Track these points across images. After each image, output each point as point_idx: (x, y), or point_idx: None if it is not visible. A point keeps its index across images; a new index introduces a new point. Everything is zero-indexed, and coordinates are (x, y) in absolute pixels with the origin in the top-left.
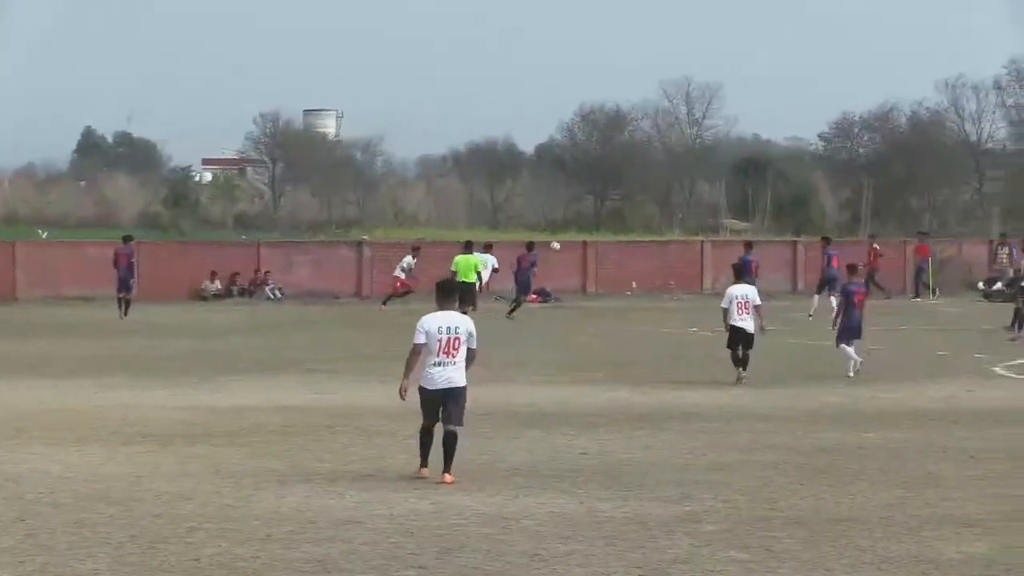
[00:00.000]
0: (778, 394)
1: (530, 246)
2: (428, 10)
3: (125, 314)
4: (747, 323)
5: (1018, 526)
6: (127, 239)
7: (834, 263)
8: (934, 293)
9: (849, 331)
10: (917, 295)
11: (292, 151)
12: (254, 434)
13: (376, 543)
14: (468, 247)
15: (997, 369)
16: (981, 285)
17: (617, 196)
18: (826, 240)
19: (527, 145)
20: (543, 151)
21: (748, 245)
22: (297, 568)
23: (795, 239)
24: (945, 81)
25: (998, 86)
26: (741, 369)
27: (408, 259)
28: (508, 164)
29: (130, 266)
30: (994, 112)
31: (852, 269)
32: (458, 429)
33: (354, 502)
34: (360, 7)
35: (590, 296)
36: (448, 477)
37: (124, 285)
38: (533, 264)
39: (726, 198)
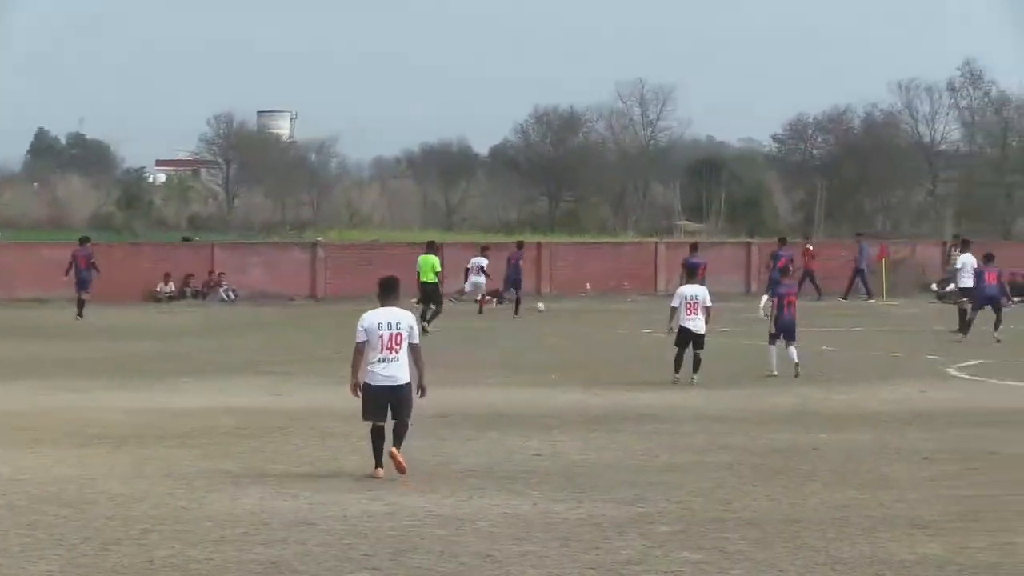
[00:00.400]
0: (732, 395)
1: (520, 245)
2: (381, 9)
3: (79, 315)
4: (695, 323)
5: (971, 527)
6: (84, 240)
7: (780, 264)
8: (870, 296)
9: (780, 332)
10: (870, 295)
11: (246, 152)
12: (207, 436)
13: (330, 544)
14: (431, 247)
15: (950, 370)
16: (934, 286)
17: (571, 197)
18: (782, 241)
19: (481, 147)
20: (497, 152)
21: (693, 247)
22: (250, 570)
23: (749, 240)
24: (899, 83)
25: (952, 88)
26: (693, 373)
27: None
28: (462, 165)
29: (90, 267)
30: (948, 114)
31: (784, 271)
32: (408, 421)
33: (308, 504)
34: (313, 7)
35: (545, 297)
36: (394, 450)
37: (84, 286)
38: (520, 261)
39: (680, 200)
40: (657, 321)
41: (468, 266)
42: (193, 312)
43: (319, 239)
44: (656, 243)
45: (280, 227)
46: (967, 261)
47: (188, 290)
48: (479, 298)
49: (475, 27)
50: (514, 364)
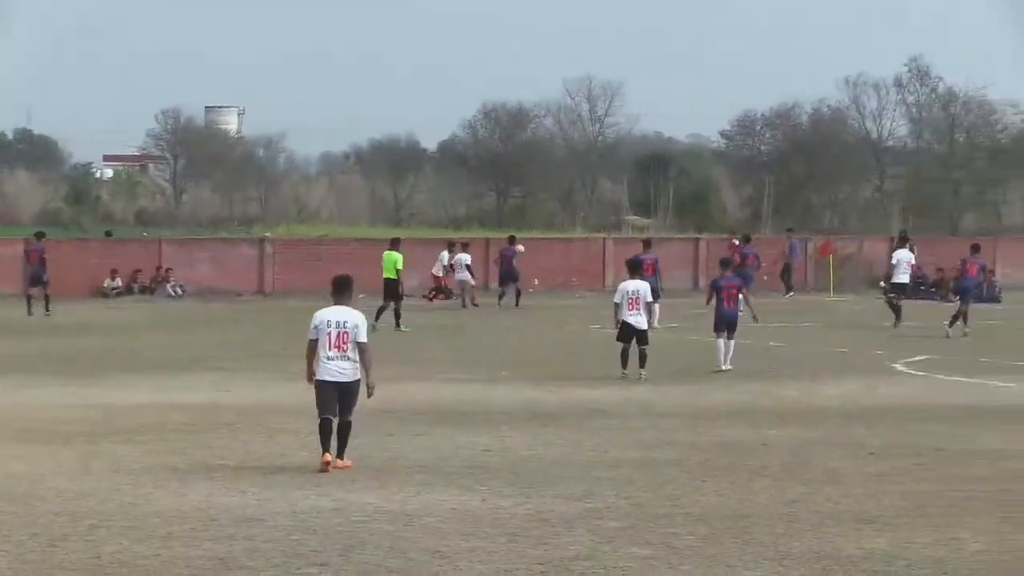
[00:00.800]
0: (680, 391)
1: (511, 239)
2: (330, 7)
3: (46, 310)
4: (637, 319)
5: (918, 522)
6: (39, 236)
7: (749, 260)
8: (789, 291)
9: (720, 324)
10: (789, 290)
11: (194, 148)
12: (156, 432)
13: (278, 541)
14: (395, 244)
15: (897, 366)
16: (882, 283)
17: (519, 193)
18: (746, 238)
19: (429, 142)
20: (445, 148)
21: (647, 244)
22: (198, 566)
23: (697, 236)
24: (846, 79)
25: (899, 84)
26: (640, 369)
27: (445, 254)
28: (410, 161)
29: (42, 262)
30: (895, 110)
31: (725, 263)
32: (351, 420)
33: (256, 500)
34: (265, 5)
35: (492, 293)
36: (340, 462)
37: (36, 281)
38: (514, 256)
39: (628, 195)
40: (604, 317)
41: (452, 262)
42: (141, 308)
43: (267, 235)
44: (604, 239)
45: (228, 222)
46: (902, 257)
47: (136, 286)
48: (465, 295)
49: (425, 22)
50: (463, 360)
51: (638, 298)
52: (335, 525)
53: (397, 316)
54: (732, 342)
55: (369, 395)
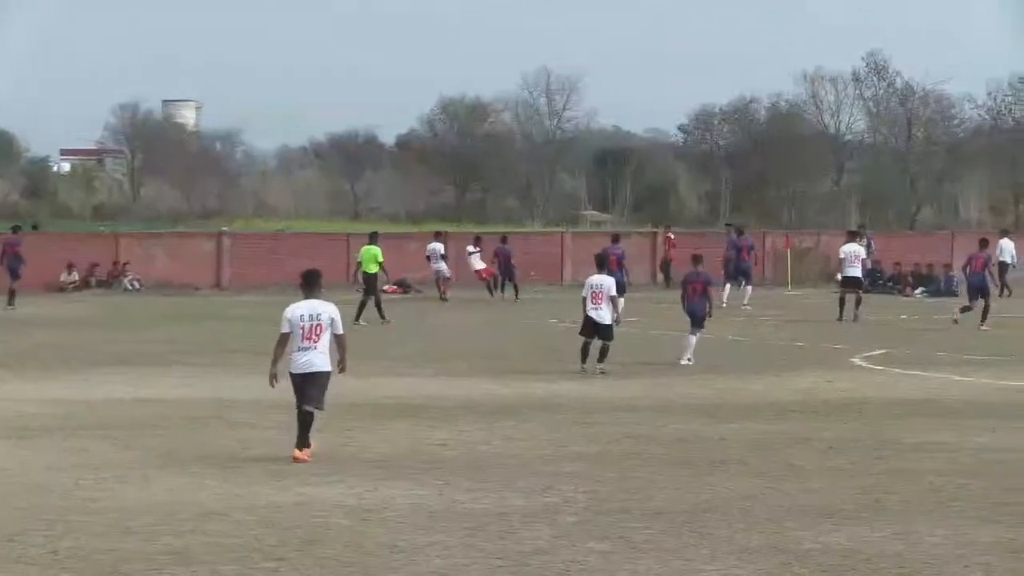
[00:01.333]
0: (640, 385)
1: (504, 239)
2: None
3: (10, 303)
4: (598, 313)
5: (876, 516)
6: (15, 229)
7: (744, 256)
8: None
9: (689, 317)
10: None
11: (151, 142)
12: (118, 427)
13: (238, 535)
14: (373, 238)
15: (855, 360)
16: (839, 276)
17: (478, 188)
18: (739, 231)
19: (388, 137)
20: (404, 142)
21: (615, 238)
22: (155, 560)
23: (655, 230)
24: (803, 73)
25: (856, 78)
26: (598, 363)
27: (470, 247)
28: (369, 155)
29: (16, 255)
30: (853, 104)
31: (697, 259)
32: (316, 411)
33: (216, 494)
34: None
35: (451, 286)
36: (297, 453)
37: (15, 274)
38: (510, 255)
39: (586, 190)
40: (564, 312)
41: (427, 254)
42: (99, 302)
43: (225, 229)
44: (562, 233)
45: (186, 217)
46: (848, 251)
47: (93, 280)
48: (440, 285)
49: (384, 17)
50: (420, 354)
51: (601, 292)
52: (294, 519)
53: (360, 308)
54: (694, 337)
55: (341, 370)
